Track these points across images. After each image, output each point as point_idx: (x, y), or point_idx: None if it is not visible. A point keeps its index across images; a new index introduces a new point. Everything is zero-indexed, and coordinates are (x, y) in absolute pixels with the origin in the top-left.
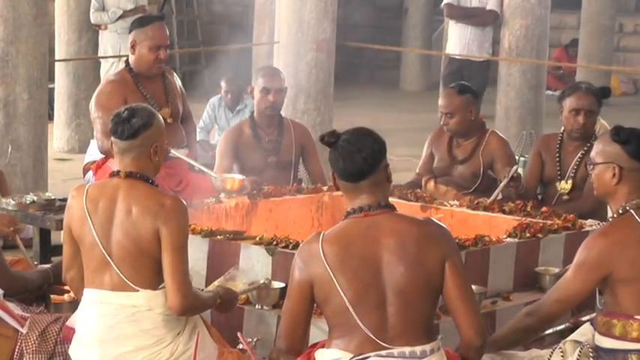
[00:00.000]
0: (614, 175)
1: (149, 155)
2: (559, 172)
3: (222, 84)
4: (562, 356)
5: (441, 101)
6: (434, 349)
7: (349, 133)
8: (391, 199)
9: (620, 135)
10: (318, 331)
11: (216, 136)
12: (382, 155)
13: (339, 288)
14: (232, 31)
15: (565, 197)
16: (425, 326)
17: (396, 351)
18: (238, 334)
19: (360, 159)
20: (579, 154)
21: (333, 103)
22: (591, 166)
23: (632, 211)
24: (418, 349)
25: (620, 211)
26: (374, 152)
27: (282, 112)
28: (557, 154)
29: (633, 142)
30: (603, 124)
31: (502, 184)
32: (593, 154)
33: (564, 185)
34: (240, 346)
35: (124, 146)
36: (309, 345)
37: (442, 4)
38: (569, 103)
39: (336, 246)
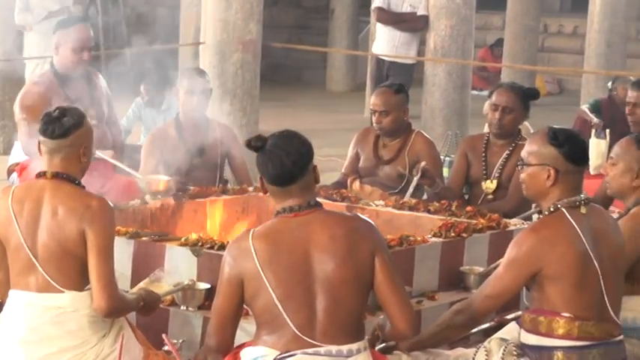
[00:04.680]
0: (549, 177)
1: (78, 156)
2: (485, 172)
3: (143, 85)
4: (487, 355)
5: (375, 100)
6: (360, 348)
7: (276, 136)
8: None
9: (557, 138)
10: (242, 333)
11: (141, 137)
12: (310, 157)
13: (267, 284)
14: (158, 32)
15: (490, 197)
16: (353, 325)
17: (322, 349)
18: (163, 335)
19: (289, 163)
20: (505, 154)
21: (259, 104)
22: (522, 167)
23: (563, 209)
24: (345, 348)
25: (552, 209)
26: (302, 155)
27: (208, 114)
28: (483, 155)
29: (570, 145)
30: (526, 125)
31: (414, 181)
32: (525, 154)
33: (489, 185)
34: (166, 348)
35: (53, 146)
36: (235, 346)
37: (372, 8)
38: (491, 99)
39: (265, 242)
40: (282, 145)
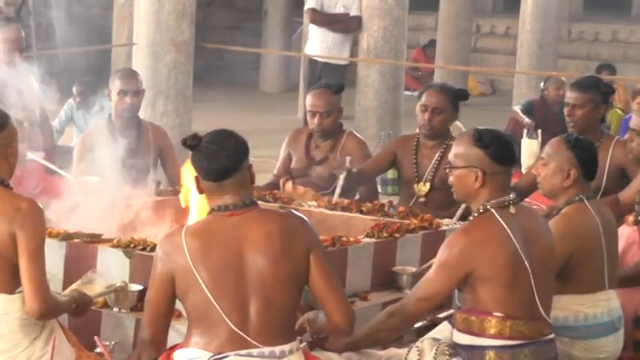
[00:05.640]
0: (476, 179)
1: (6, 157)
2: (416, 174)
3: (75, 86)
4: (419, 354)
5: (315, 101)
6: (293, 349)
7: (211, 134)
8: None
9: (482, 139)
10: (175, 334)
11: (74, 139)
12: (245, 154)
13: (200, 281)
14: (91, 32)
15: (422, 199)
16: (285, 326)
17: (255, 351)
18: (95, 337)
19: (223, 157)
20: (436, 156)
21: (192, 105)
22: (450, 169)
23: (492, 210)
24: (277, 349)
25: (481, 210)
26: (237, 151)
27: (141, 114)
28: (414, 156)
29: (495, 146)
30: (458, 125)
31: (340, 180)
32: (452, 156)
33: (422, 187)
34: (98, 350)
35: None
36: (167, 347)
37: (305, 9)
38: (421, 100)
39: (198, 239)
40: (217, 141)
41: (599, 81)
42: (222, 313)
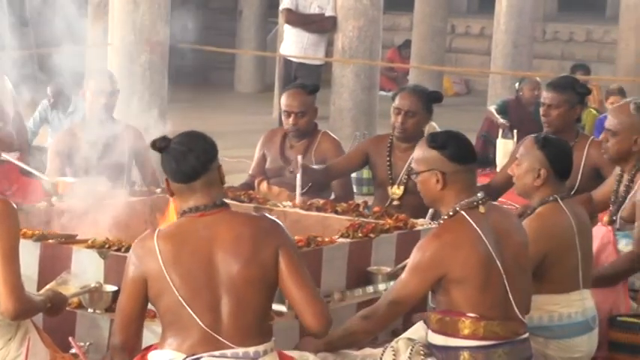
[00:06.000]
0: (437, 181)
1: None
2: (390, 177)
3: (49, 87)
4: (394, 355)
5: (290, 101)
6: (267, 350)
7: (180, 136)
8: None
9: (436, 141)
10: (151, 334)
11: (48, 139)
12: (214, 155)
13: (172, 285)
14: (65, 33)
15: (396, 202)
16: (258, 327)
17: (229, 352)
18: (70, 338)
19: (192, 158)
20: (410, 159)
21: (167, 106)
22: (415, 175)
23: (462, 212)
24: (251, 349)
25: (451, 213)
26: (206, 152)
27: (115, 115)
28: (388, 158)
29: (450, 146)
30: (433, 126)
31: (298, 179)
32: (414, 162)
33: (396, 190)
34: (73, 351)
35: None
36: (143, 348)
37: (280, 9)
38: (394, 102)
39: (170, 243)
40: (185, 142)
41: (576, 81)
42: (194, 315)
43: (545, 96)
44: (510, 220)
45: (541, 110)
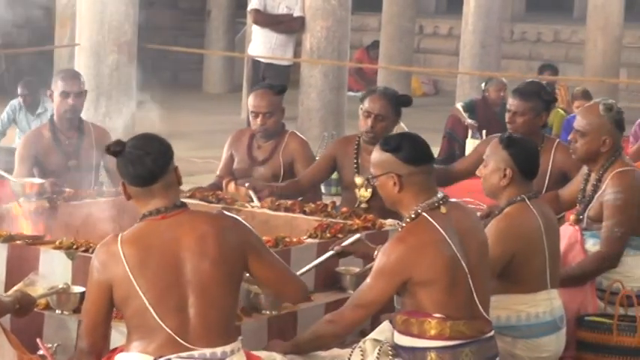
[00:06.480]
0: (395, 184)
1: None
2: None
3: (20, 88)
4: (362, 355)
5: (258, 102)
6: (234, 349)
7: (135, 139)
8: (193, 202)
9: (389, 144)
10: (119, 335)
11: (16, 140)
12: (170, 157)
13: (138, 289)
14: (33, 33)
15: (364, 205)
16: (226, 326)
17: (196, 352)
18: (38, 340)
19: (149, 161)
20: None
21: (135, 106)
22: (373, 180)
23: (424, 213)
24: (219, 350)
25: (413, 215)
26: (162, 154)
27: (83, 115)
28: (355, 160)
29: (403, 148)
30: (402, 127)
31: (254, 198)
32: (371, 167)
33: (364, 193)
34: (40, 352)
35: None
36: (110, 349)
37: (248, 9)
38: (364, 105)
39: (135, 247)
40: (141, 145)
41: (542, 88)
42: (159, 320)
43: (511, 102)
44: (470, 219)
45: (506, 116)
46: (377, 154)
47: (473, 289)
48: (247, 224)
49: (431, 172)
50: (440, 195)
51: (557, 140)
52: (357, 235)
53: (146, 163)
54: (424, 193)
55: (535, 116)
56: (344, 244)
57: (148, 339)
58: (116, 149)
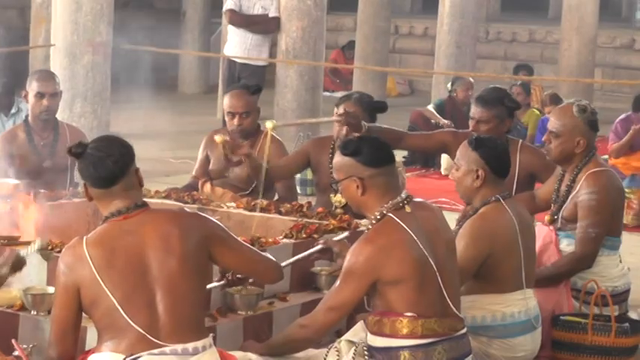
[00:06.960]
0: (357, 187)
1: None
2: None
3: None
4: (337, 355)
5: (234, 102)
6: (206, 345)
7: (96, 141)
8: (168, 202)
9: (348, 148)
10: (94, 336)
11: None
12: (131, 158)
13: (106, 289)
14: (8, 33)
15: (339, 211)
16: (196, 322)
17: (168, 349)
18: (13, 341)
19: (110, 163)
20: None
21: (110, 106)
22: (337, 184)
23: (390, 214)
24: (190, 345)
25: (379, 216)
26: (123, 156)
27: (59, 116)
28: (331, 165)
29: (363, 151)
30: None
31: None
32: (334, 172)
33: (339, 199)
34: (16, 353)
35: None
36: (85, 351)
37: (224, 10)
38: (339, 110)
39: (101, 248)
40: (102, 147)
41: (505, 95)
42: (128, 318)
43: (474, 110)
44: (436, 217)
45: (470, 124)
46: (338, 159)
47: (442, 286)
48: (209, 217)
49: (393, 173)
50: (404, 195)
51: (520, 142)
52: (346, 233)
53: (107, 165)
54: (388, 194)
55: (499, 123)
56: (334, 239)
57: (119, 338)
58: (77, 151)
